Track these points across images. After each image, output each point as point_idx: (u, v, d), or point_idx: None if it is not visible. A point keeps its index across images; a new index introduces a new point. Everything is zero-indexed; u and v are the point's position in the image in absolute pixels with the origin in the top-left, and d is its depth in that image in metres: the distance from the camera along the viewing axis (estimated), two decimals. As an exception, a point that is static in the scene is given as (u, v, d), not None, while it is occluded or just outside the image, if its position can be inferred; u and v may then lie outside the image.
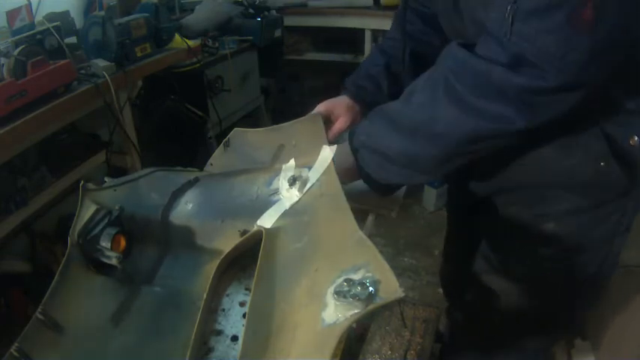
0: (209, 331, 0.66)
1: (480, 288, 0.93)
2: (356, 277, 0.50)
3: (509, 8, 0.57)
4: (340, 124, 0.91)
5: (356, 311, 0.47)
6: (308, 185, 0.74)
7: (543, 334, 0.95)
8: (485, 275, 0.92)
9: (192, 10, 2.28)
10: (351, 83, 0.98)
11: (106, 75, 1.48)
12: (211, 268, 0.72)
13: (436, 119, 0.65)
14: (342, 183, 0.70)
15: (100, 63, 1.51)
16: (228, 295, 0.71)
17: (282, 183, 0.75)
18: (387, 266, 0.49)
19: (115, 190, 0.78)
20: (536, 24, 0.56)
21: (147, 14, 1.68)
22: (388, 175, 0.75)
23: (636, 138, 0.69)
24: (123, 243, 0.71)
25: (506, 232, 0.85)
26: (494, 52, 0.59)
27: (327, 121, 0.90)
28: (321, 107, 0.90)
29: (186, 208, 0.77)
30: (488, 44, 0.61)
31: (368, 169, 0.76)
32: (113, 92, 1.50)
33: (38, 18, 1.61)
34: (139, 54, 1.65)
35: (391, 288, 0.47)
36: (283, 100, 3.06)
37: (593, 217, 0.77)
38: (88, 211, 0.71)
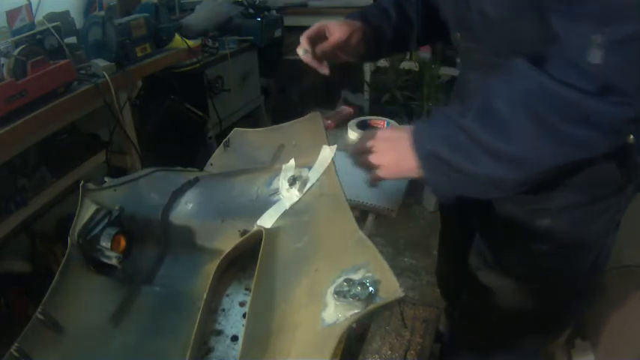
0: (209, 331, 0.66)
1: (477, 287, 0.93)
2: (356, 277, 0.50)
3: (594, 37, 0.55)
4: (336, 36, 0.88)
5: (356, 311, 0.47)
6: (308, 185, 0.73)
7: (542, 333, 0.95)
8: (482, 273, 0.92)
9: (192, 10, 2.28)
10: (357, 12, 0.96)
11: (106, 75, 1.48)
12: (211, 268, 0.72)
13: (521, 146, 0.62)
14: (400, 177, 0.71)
15: (100, 63, 1.51)
16: (228, 295, 0.71)
17: (282, 183, 0.75)
18: (386, 266, 0.49)
19: (115, 190, 0.78)
20: (627, 54, 0.54)
21: (147, 14, 1.68)
22: (459, 189, 0.70)
23: (632, 136, 0.69)
24: (123, 243, 0.71)
25: (502, 229, 0.85)
26: (579, 80, 0.57)
27: (322, 37, 0.88)
28: (316, 24, 0.88)
29: (186, 208, 0.77)
30: (568, 70, 0.58)
31: (436, 179, 0.69)
32: (113, 92, 1.50)
33: (38, 18, 1.61)
34: (139, 54, 1.65)
35: (391, 288, 0.47)
36: (283, 100, 3.05)
37: (589, 213, 0.77)
38: (88, 211, 0.71)
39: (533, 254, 0.83)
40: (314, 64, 0.89)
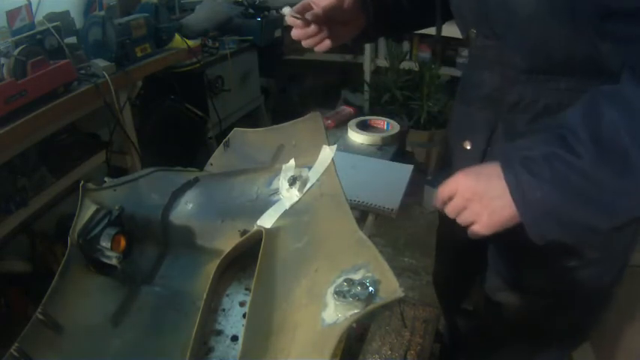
0: (209, 331, 0.65)
1: (494, 306, 0.90)
2: (356, 277, 0.50)
3: None
4: (325, 1, 0.77)
5: (356, 311, 0.47)
6: (308, 185, 0.73)
7: (561, 346, 0.92)
8: (502, 294, 0.89)
9: (192, 10, 2.28)
10: None
11: (106, 75, 1.48)
12: (211, 268, 0.72)
13: None
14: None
15: (100, 63, 1.51)
16: (228, 295, 0.71)
17: (282, 183, 0.75)
18: (386, 266, 0.49)
19: (115, 190, 0.78)
20: None
21: (147, 14, 1.68)
22: (563, 232, 0.61)
23: None
24: (123, 243, 0.71)
25: (521, 247, 0.77)
26: None
27: (309, 6, 0.77)
28: (299, 4, 0.77)
29: (186, 208, 0.77)
30: None
31: (541, 227, 0.60)
32: (113, 92, 1.50)
33: (38, 18, 1.61)
34: (139, 54, 1.65)
35: (391, 288, 0.47)
36: (283, 100, 3.06)
37: (629, 229, 0.76)
38: (88, 211, 0.71)
39: (563, 271, 0.79)
40: (307, 32, 0.78)
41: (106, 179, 0.80)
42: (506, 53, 0.73)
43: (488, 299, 0.92)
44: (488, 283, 0.92)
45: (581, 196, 0.56)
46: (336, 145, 0.76)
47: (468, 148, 0.86)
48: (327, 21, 0.77)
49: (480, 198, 0.63)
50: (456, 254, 1.07)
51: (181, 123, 2.10)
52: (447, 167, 0.99)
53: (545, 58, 0.69)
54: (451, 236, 1.10)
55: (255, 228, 0.72)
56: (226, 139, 0.86)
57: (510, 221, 0.61)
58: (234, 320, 0.67)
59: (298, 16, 0.75)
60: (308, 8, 0.76)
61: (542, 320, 0.86)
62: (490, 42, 0.75)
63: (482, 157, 0.84)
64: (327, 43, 0.80)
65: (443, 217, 1.11)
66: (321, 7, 0.76)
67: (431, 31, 0.94)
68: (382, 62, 2.84)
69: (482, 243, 0.88)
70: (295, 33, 0.79)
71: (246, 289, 0.72)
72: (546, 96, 0.72)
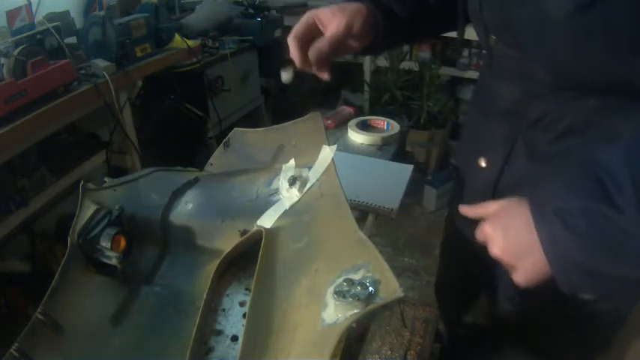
0: (209, 331, 0.65)
1: (505, 328, 0.86)
2: (356, 277, 0.50)
3: None
4: (331, 30, 0.69)
5: (356, 311, 0.47)
6: (308, 185, 0.73)
7: None
8: (515, 318, 0.84)
9: (193, 10, 2.28)
10: None
11: (106, 75, 1.48)
12: (211, 268, 0.72)
13: None
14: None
15: (100, 63, 1.51)
16: (228, 295, 0.71)
17: (282, 183, 0.75)
18: (386, 266, 0.49)
19: (115, 190, 0.78)
20: None
21: (147, 14, 1.68)
22: (597, 288, 0.58)
23: None
24: (123, 243, 0.71)
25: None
26: None
27: (314, 31, 0.70)
28: (305, 15, 0.71)
29: (186, 208, 0.77)
30: None
31: (575, 284, 0.56)
32: (113, 92, 1.50)
33: (38, 18, 1.61)
34: (139, 54, 1.66)
35: (391, 288, 0.47)
36: (283, 100, 3.06)
37: None
38: (88, 211, 0.71)
39: (580, 303, 0.74)
40: (310, 70, 0.74)
41: (106, 179, 0.80)
42: (529, 65, 0.66)
43: (497, 323, 0.88)
44: (498, 311, 0.87)
45: (618, 250, 0.52)
46: (336, 145, 0.76)
47: (484, 165, 0.79)
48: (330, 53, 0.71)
49: (509, 256, 0.59)
50: (462, 264, 1.03)
51: (181, 123, 2.10)
52: (459, 188, 0.92)
53: (574, 76, 0.62)
54: (458, 244, 1.03)
55: (255, 228, 0.72)
56: (226, 139, 0.86)
57: (544, 276, 0.57)
58: (234, 320, 0.67)
59: (297, 51, 0.70)
60: (311, 27, 0.70)
61: (548, 342, 0.83)
62: (512, 51, 0.68)
63: (498, 176, 0.77)
64: (327, 73, 0.75)
65: (449, 226, 1.07)
66: (326, 44, 0.69)
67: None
68: (382, 62, 2.84)
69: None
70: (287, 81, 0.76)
71: (246, 289, 0.72)
72: (572, 114, 0.65)
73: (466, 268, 0.97)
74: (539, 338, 0.83)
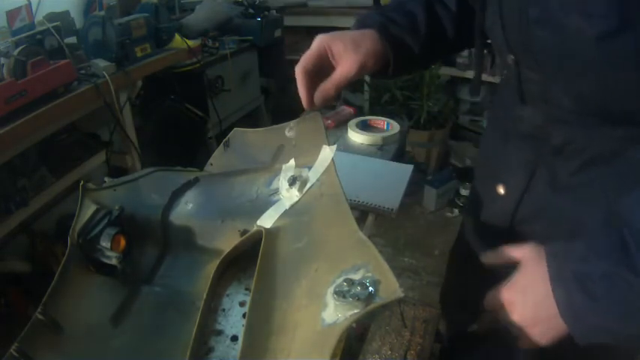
0: (209, 331, 0.65)
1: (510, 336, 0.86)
2: (356, 277, 0.50)
3: None
4: (343, 71, 0.66)
5: (356, 311, 0.47)
6: (308, 185, 0.73)
7: None
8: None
9: (192, 10, 2.29)
10: (374, 14, 0.71)
11: (106, 75, 1.48)
12: (211, 268, 0.72)
13: None
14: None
15: (100, 63, 1.51)
16: (228, 295, 0.71)
17: (282, 183, 0.75)
18: (386, 266, 0.49)
19: (115, 190, 0.78)
20: None
21: (147, 14, 1.69)
22: (613, 342, 0.55)
23: None
24: (123, 243, 0.71)
25: None
26: None
27: (325, 64, 0.66)
28: (315, 42, 0.66)
29: (186, 208, 0.77)
30: None
31: (593, 342, 0.54)
32: (113, 92, 1.50)
33: (38, 18, 1.61)
34: (139, 54, 1.66)
35: (391, 288, 0.47)
36: (283, 100, 3.06)
37: None
38: (88, 211, 0.71)
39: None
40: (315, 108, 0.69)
41: (106, 179, 0.80)
42: (551, 89, 0.62)
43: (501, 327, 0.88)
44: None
45: (637, 314, 0.49)
46: (336, 145, 0.76)
47: (502, 192, 0.76)
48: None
49: (527, 321, 0.56)
50: (472, 282, 1.01)
51: (181, 123, 2.11)
52: (474, 211, 0.88)
53: (599, 103, 0.58)
54: (470, 256, 0.98)
55: (255, 228, 0.72)
56: (226, 139, 0.86)
57: (560, 336, 0.55)
58: (234, 320, 0.67)
59: (305, 92, 0.66)
60: (322, 58, 0.66)
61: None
62: (533, 75, 0.63)
63: (517, 204, 0.74)
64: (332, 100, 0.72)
65: (462, 236, 1.02)
66: (334, 85, 0.66)
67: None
68: (382, 62, 2.84)
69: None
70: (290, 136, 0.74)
71: (246, 289, 0.72)
72: (598, 143, 0.61)
73: (475, 285, 0.95)
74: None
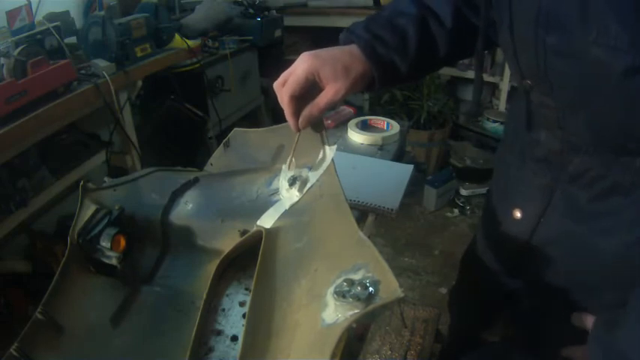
0: (209, 331, 0.65)
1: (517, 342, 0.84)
2: (356, 277, 0.50)
3: None
4: (331, 92, 0.64)
5: (356, 311, 0.47)
6: (308, 185, 0.73)
7: None
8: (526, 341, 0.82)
9: (192, 10, 2.28)
10: (362, 29, 0.68)
11: (106, 75, 1.48)
12: (211, 268, 0.72)
13: None
14: None
15: (100, 63, 1.51)
16: (228, 295, 0.71)
17: (282, 183, 0.75)
18: (386, 266, 0.49)
19: (115, 190, 0.78)
20: None
21: (147, 14, 1.69)
22: None
23: None
24: (123, 243, 0.71)
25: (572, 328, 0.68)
26: None
27: (312, 87, 0.65)
28: (302, 64, 0.64)
29: (186, 208, 0.77)
30: None
31: None
32: (113, 92, 1.50)
33: (38, 18, 1.61)
34: (139, 54, 1.66)
35: (391, 288, 0.47)
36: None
37: None
38: (87, 211, 0.71)
39: None
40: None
41: (106, 179, 0.80)
42: (568, 118, 0.60)
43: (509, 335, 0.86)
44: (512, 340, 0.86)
45: None
46: (336, 145, 0.76)
47: (518, 217, 0.75)
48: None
49: None
50: (483, 292, 0.97)
51: (181, 123, 2.11)
52: (488, 233, 0.88)
53: (617, 135, 0.56)
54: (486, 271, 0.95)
55: (255, 228, 0.72)
56: (226, 139, 0.86)
57: None
58: (234, 320, 0.67)
59: (292, 118, 0.66)
60: (311, 84, 0.65)
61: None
62: (549, 101, 0.61)
63: (533, 230, 0.73)
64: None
65: (474, 250, 1.00)
66: (319, 110, 0.65)
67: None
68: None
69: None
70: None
71: (246, 289, 0.72)
72: (617, 172, 0.59)
73: (485, 298, 0.93)
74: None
